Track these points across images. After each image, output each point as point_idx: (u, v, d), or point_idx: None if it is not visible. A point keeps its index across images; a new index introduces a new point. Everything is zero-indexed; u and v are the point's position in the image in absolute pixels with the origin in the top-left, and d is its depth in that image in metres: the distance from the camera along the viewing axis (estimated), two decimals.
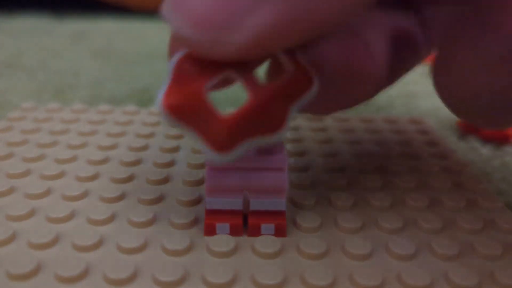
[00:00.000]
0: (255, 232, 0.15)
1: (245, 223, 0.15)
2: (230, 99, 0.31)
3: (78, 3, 0.66)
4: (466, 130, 0.28)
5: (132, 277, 0.13)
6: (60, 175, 0.19)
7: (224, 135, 0.12)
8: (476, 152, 0.26)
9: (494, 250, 0.15)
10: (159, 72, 0.40)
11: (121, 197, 0.17)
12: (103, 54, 0.46)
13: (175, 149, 0.22)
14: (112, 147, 0.22)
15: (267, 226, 0.15)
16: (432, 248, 0.15)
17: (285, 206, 0.15)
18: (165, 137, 0.24)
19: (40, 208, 0.17)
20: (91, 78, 0.38)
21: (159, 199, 0.17)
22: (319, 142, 0.24)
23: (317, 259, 0.14)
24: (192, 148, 0.22)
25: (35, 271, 0.13)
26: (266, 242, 0.15)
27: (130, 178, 0.19)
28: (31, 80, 0.36)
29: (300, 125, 0.26)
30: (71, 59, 0.44)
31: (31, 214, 0.16)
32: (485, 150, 0.26)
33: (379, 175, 0.20)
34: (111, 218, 0.16)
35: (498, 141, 0.27)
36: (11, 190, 0.18)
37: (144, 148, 0.22)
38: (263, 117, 0.12)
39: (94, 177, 0.19)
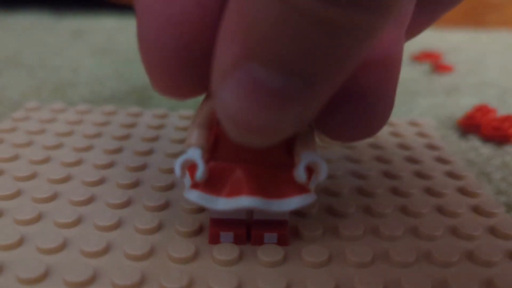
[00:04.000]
0: (258, 241, 0.16)
1: (248, 232, 0.16)
2: None
3: (78, 0, 0.66)
4: (467, 129, 0.28)
5: (139, 284, 0.14)
6: (66, 178, 0.19)
7: None
8: (477, 151, 0.26)
9: (493, 256, 0.15)
10: None
11: (127, 203, 0.18)
12: (103, 51, 0.46)
13: (181, 154, 0.22)
14: (117, 150, 0.22)
15: (270, 236, 0.15)
16: (432, 255, 0.15)
17: (287, 216, 0.16)
18: (170, 141, 0.24)
19: (47, 212, 0.17)
20: (91, 75, 0.38)
21: (164, 206, 0.18)
22: (318, 147, 0.24)
23: (319, 267, 0.15)
24: None
25: (43, 276, 0.14)
26: (269, 250, 0.15)
27: (135, 184, 0.19)
28: (31, 77, 0.36)
29: None
30: (71, 57, 0.44)
31: (38, 218, 0.17)
32: (486, 150, 0.26)
33: (379, 180, 0.21)
34: (118, 224, 0.16)
35: (499, 140, 0.27)
36: (18, 193, 0.18)
37: (149, 152, 0.22)
38: None
39: (100, 182, 0.19)
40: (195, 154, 0.14)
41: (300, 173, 0.14)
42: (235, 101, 0.11)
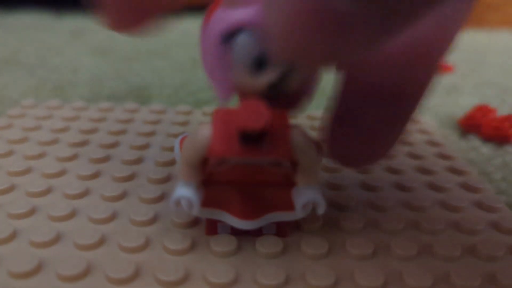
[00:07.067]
0: (257, 232, 0.15)
1: None
2: None
3: (78, 0, 0.66)
4: (467, 129, 0.28)
5: (134, 276, 0.13)
6: (61, 173, 0.19)
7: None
8: (477, 151, 0.26)
9: (495, 251, 0.15)
10: (158, 69, 0.40)
11: (122, 196, 0.17)
12: (102, 51, 0.46)
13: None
14: (113, 145, 0.22)
15: (269, 226, 0.15)
16: (434, 249, 0.15)
17: None
18: (166, 135, 0.24)
19: (41, 206, 0.17)
20: (90, 75, 0.38)
21: (160, 198, 0.17)
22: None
23: (319, 259, 0.14)
24: None
25: (37, 270, 0.13)
26: (268, 242, 0.15)
27: (131, 177, 0.19)
28: (31, 77, 0.36)
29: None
30: (70, 56, 0.44)
31: (32, 212, 0.16)
32: (486, 149, 0.26)
33: (380, 175, 0.20)
34: (112, 217, 0.16)
35: (499, 140, 0.27)
36: (11, 188, 0.18)
37: (145, 146, 0.22)
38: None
39: (95, 175, 0.19)
40: (188, 191, 0.14)
41: (298, 212, 0.14)
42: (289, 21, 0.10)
